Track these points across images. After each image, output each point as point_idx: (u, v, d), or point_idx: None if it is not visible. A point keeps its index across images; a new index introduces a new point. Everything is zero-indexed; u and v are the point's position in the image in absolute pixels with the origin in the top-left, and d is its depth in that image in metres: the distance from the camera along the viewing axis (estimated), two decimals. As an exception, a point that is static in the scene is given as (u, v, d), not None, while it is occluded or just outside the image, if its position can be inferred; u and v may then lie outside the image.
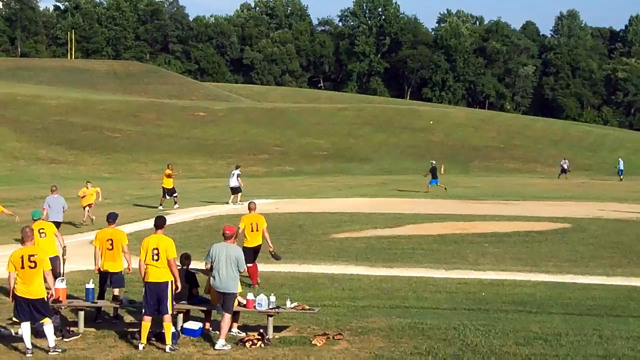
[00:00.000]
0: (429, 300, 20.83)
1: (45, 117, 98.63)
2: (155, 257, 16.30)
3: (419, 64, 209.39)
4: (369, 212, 39.48)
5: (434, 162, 57.32)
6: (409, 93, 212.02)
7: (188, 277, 17.67)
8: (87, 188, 39.08)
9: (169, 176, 42.82)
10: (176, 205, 42.41)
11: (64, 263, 20.73)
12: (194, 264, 18.45)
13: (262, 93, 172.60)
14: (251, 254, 22.09)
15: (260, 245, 22.78)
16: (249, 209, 23.34)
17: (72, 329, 17.21)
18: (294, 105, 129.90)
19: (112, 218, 18.96)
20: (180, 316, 17.31)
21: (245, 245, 22.16)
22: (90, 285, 17.86)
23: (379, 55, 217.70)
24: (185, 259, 18.01)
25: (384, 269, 25.10)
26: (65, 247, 20.55)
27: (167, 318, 16.15)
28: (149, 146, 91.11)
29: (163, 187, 43.04)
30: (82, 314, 17.54)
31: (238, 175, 44.94)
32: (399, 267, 25.38)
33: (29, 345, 15.71)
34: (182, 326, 17.09)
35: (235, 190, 44.60)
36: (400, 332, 17.06)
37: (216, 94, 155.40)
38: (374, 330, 17.22)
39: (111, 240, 18.62)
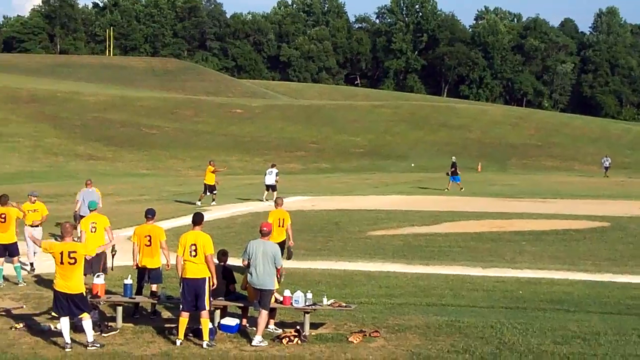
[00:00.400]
0: (466, 298, 20.74)
1: (83, 114, 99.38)
2: (193, 253, 16.35)
3: (456, 61, 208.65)
4: (405, 210, 39.39)
5: (454, 158, 57.05)
6: (446, 90, 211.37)
7: (225, 273, 17.72)
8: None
9: (213, 172, 43.14)
10: (213, 202, 42.58)
11: (112, 257, 20.85)
12: (231, 261, 18.50)
13: (298, 90, 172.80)
14: None
15: (284, 240, 22.73)
16: (276, 204, 23.30)
17: (110, 324, 17.33)
18: (331, 102, 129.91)
19: (150, 214, 19.03)
20: (218, 312, 17.37)
21: None
22: (129, 281, 17.96)
23: (416, 53, 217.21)
24: (222, 255, 18.06)
25: (421, 267, 25.03)
26: (113, 244, 20.53)
27: (205, 314, 16.21)
28: (187, 143, 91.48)
29: (205, 183, 43.29)
30: (120, 309, 17.65)
31: (277, 174, 45.19)
32: (436, 265, 25.30)
33: (68, 340, 15.83)
34: (219, 322, 17.14)
35: (272, 188, 44.75)
36: (437, 330, 17.02)
37: (253, 91, 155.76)
38: (410, 328, 17.18)
39: (149, 236, 18.70)
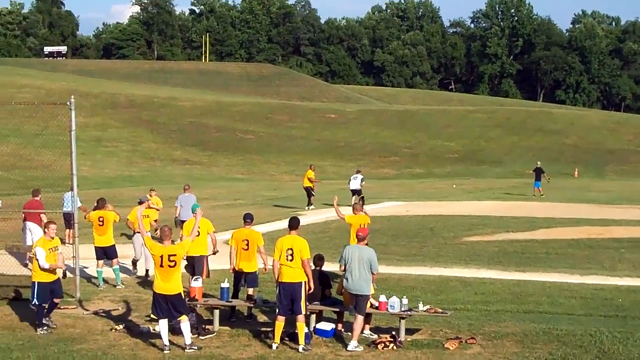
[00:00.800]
0: (564, 306, 20.43)
1: (180, 119, 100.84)
2: (290, 258, 16.44)
3: (552, 65, 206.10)
4: (501, 216, 38.97)
5: (539, 163, 56.22)
6: (541, 95, 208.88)
7: (321, 278, 17.78)
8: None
9: (310, 180, 43.46)
10: (311, 207, 42.77)
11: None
12: (326, 266, 18.54)
13: (392, 95, 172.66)
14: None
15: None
16: (355, 210, 22.04)
17: (207, 327, 17.52)
18: (425, 107, 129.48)
19: (248, 218, 19.20)
20: (313, 317, 17.43)
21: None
22: (225, 285, 18.13)
23: (511, 57, 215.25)
24: (318, 259, 18.11)
25: (517, 273, 24.72)
26: (216, 251, 20.80)
27: (300, 318, 16.28)
28: (281, 148, 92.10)
29: (306, 187, 43.61)
30: (217, 312, 17.84)
31: (362, 179, 44.99)
32: (532, 272, 24.96)
33: (167, 342, 16.05)
34: (314, 327, 17.19)
35: (357, 193, 44.64)
36: (534, 338, 16.81)
37: (347, 96, 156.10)
38: (507, 335, 17.00)
39: (247, 240, 18.86)
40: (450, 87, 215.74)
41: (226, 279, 18.73)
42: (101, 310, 19.14)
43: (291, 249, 16.47)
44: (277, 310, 16.55)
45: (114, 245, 22.69)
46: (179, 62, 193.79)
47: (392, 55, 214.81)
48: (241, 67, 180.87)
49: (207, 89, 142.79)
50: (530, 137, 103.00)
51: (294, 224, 17.05)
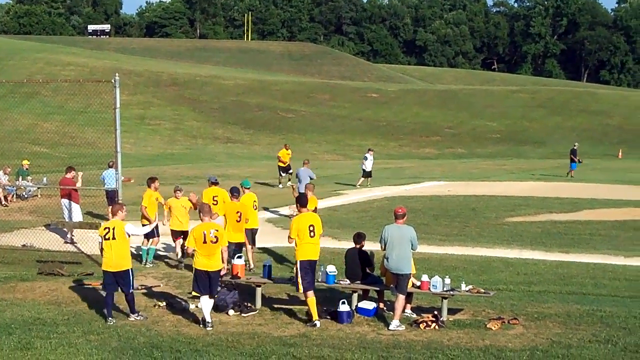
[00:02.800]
0: (608, 288, 20.28)
1: (222, 97, 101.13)
2: (312, 234, 16.51)
3: (597, 45, 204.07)
4: (543, 197, 38.76)
5: (576, 144, 55.63)
6: (585, 75, 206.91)
7: (361, 255, 17.74)
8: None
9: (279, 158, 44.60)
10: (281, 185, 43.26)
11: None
12: (369, 245, 18.50)
13: (434, 75, 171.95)
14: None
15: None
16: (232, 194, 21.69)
17: (249, 305, 17.58)
18: (467, 87, 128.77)
19: (235, 192, 20.75)
20: (355, 296, 17.44)
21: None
22: (267, 262, 18.18)
23: (555, 37, 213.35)
24: (358, 237, 18.06)
25: (560, 254, 24.59)
26: None
27: (310, 294, 16.50)
28: (322, 127, 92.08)
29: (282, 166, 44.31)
30: (259, 290, 17.90)
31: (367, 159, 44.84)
32: (576, 253, 24.81)
33: (209, 319, 16.15)
34: (356, 305, 17.21)
35: (370, 175, 44.44)
36: (577, 319, 16.70)
37: (388, 76, 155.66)
38: (550, 316, 16.91)
39: (240, 212, 20.07)
40: (492, 67, 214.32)
41: (269, 257, 18.79)
42: (142, 286, 19.30)
43: (313, 226, 16.52)
44: (302, 288, 16.51)
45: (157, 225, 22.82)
46: (221, 40, 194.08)
47: (435, 34, 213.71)
48: (283, 46, 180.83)
49: (249, 68, 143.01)
50: (573, 118, 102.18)
51: (304, 201, 17.13)
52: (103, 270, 16.88)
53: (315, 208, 21.71)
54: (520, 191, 41.29)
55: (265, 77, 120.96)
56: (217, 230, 16.32)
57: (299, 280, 16.42)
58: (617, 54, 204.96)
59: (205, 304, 16.28)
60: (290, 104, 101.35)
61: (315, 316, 16.41)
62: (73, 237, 25.21)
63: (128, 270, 16.73)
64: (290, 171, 44.13)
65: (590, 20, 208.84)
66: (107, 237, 16.62)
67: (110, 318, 16.49)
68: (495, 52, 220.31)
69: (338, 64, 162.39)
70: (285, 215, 31.09)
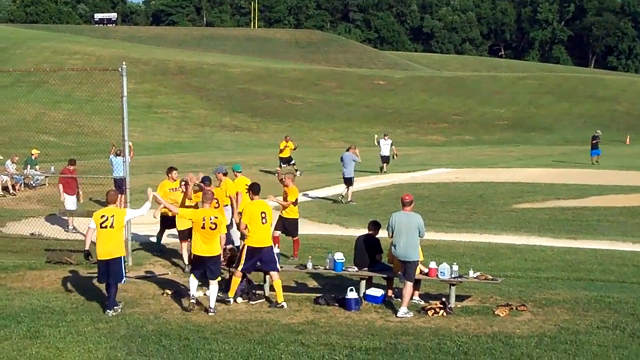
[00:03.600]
0: (615, 274, 20.27)
1: (229, 85, 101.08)
2: (264, 221, 17.02)
3: (604, 31, 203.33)
4: (551, 183, 38.71)
5: (598, 131, 55.20)
6: (593, 62, 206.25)
7: (371, 241, 17.72)
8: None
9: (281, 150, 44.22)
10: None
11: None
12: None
13: (441, 61, 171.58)
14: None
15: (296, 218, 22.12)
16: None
17: (257, 292, 17.63)
18: (474, 73, 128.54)
19: (207, 180, 20.11)
20: (363, 283, 17.47)
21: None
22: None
23: (562, 23, 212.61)
24: (374, 225, 18.05)
25: (568, 241, 24.58)
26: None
27: (275, 276, 17.10)
28: (329, 114, 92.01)
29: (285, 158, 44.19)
30: (267, 277, 17.90)
31: (392, 144, 44.84)
32: (584, 239, 24.80)
33: (194, 294, 16.65)
34: (364, 293, 17.23)
35: (387, 160, 44.46)
36: (585, 305, 16.72)
37: (395, 63, 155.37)
38: (558, 303, 16.93)
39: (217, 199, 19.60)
40: (500, 54, 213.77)
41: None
42: (149, 272, 19.36)
43: (264, 213, 17.08)
44: (241, 268, 17.11)
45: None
46: (228, 28, 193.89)
47: (442, 21, 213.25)
48: (290, 34, 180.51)
49: (255, 56, 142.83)
50: (581, 104, 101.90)
51: (257, 189, 17.75)
52: (97, 260, 16.56)
53: (296, 200, 21.86)
54: (528, 178, 41.25)
55: (272, 65, 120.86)
56: (216, 217, 16.49)
57: (242, 260, 17.04)
58: (624, 40, 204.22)
59: (193, 283, 16.61)
60: (297, 92, 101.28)
61: (231, 293, 16.97)
62: (75, 227, 25.33)
63: (120, 258, 16.50)
64: (293, 162, 44.10)
65: (598, 6, 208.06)
66: (104, 225, 16.34)
67: (109, 310, 16.29)
68: (503, 39, 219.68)
69: (345, 52, 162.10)
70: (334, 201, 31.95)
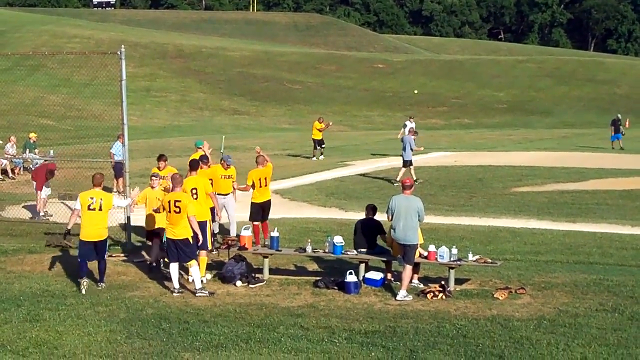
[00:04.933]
0: (615, 257, 20.29)
1: (228, 69, 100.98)
2: (195, 197, 17.70)
3: (604, 14, 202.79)
4: (550, 166, 38.66)
5: (619, 115, 54.57)
6: (592, 45, 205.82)
7: (372, 224, 17.72)
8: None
9: (320, 130, 43.19)
10: (322, 157, 42.76)
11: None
12: (376, 216, 18.44)
13: (440, 45, 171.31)
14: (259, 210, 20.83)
15: (269, 200, 21.06)
16: (257, 163, 21.03)
17: (257, 275, 17.65)
18: (473, 57, 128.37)
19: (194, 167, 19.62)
20: (362, 266, 17.48)
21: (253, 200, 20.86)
22: (275, 234, 18.23)
23: (562, 6, 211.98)
24: (372, 210, 18.08)
25: (567, 224, 24.57)
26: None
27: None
28: (329, 98, 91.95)
29: (313, 139, 43.47)
30: (266, 261, 17.96)
31: (405, 127, 44.65)
32: (583, 222, 24.78)
33: (177, 285, 16.64)
34: (363, 276, 17.25)
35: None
36: (584, 288, 16.74)
37: (395, 46, 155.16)
38: (557, 286, 16.96)
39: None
40: (499, 37, 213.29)
41: (275, 228, 18.84)
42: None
43: (195, 189, 17.81)
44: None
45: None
46: (227, 12, 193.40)
47: (441, 4, 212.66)
48: (289, 17, 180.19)
49: (254, 39, 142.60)
50: (580, 87, 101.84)
51: (195, 165, 18.57)
52: (81, 240, 16.90)
53: (253, 183, 20.60)
54: (527, 161, 41.21)
55: (271, 49, 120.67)
56: (180, 201, 16.55)
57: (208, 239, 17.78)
58: (624, 23, 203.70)
59: (174, 270, 16.65)
60: (296, 75, 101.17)
61: (202, 272, 17.28)
62: (47, 211, 25.22)
63: (106, 239, 17.16)
64: (324, 145, 43.44)
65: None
66: (92, 207, 16.69)
67: (101, 283, 17.10)
68: (502, 22, 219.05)
69: (344, 35, 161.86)
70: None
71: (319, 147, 43.18)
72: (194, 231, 16.67)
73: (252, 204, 20.69)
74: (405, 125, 45.06)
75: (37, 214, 25.17)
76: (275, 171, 23.70)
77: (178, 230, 16.55)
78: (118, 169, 27.16)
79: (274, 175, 23.15)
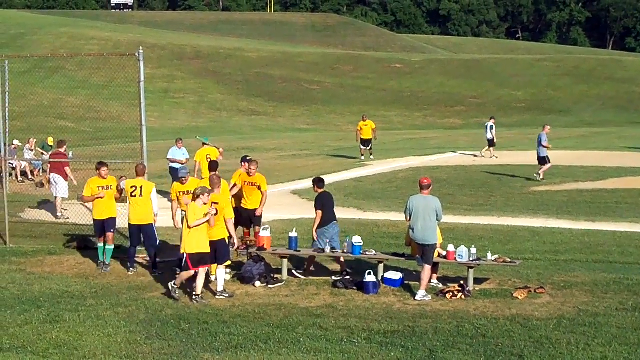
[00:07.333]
0: (635, 256, 20.19)
1: (246, 70, 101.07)
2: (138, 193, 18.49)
3: (622, 12, 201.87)
4: (569, 165, 38.53)
5: None
6: (611, 43, 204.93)
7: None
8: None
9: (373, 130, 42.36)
10: (372, 157, 42.28)
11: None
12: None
13: (458, 44, 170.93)
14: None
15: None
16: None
17: (276, 276, 17.66)
18: (491, 56, 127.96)
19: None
20: (381, 266, 17.46)
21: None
22: (294, 234, 18.23)
23: (580, 4, 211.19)
24: (318, 181, 18.53)
25: (587, 223, 24.47)
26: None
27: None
28: (346, 98, 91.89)
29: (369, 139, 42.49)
30: (285, 261, 17.96)
31: (492, 127, 44.05)
32: (602, 222, 24.68)
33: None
34: (382, 276, 17.23)
35: (490, 143, 43.91)
36: (604, 288, 16.67)
37: (412, 46, 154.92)
38: (577, 285, 16.89)
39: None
40: (517, 36, 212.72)
41: (294, 228, 18.83)
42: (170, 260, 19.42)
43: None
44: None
45: None
46: (244, 12, 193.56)
47: (458, 3, 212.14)
48: (306, 18, 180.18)
49: (272, 40, 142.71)
50: (599, 86, 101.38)
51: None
52: (130, 224, 18.38)
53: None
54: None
55: (289, 49, 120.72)
56: (217, 203, 16.54)
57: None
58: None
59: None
60: (314, 76, 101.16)
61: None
62: (64, 211, 25.26)
63: (151, 224, 18.49)
64: (370, 147, 42.22)
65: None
66: (134, 194, 18.30)
67: (132, 269, 18.51)
68: (520, 21, 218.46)
69: (361, 35, 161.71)
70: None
71: (366, 147, 42.27)
72: (229, 232, 16.76)
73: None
74: (486, 126, 44.21)
75: (55, 212, 25.39)
76: (292, 172, 23.75)
77: (215, 231, 16.49)
78: (174, 174, 25.96)
79: (291, 175, 23.16)
